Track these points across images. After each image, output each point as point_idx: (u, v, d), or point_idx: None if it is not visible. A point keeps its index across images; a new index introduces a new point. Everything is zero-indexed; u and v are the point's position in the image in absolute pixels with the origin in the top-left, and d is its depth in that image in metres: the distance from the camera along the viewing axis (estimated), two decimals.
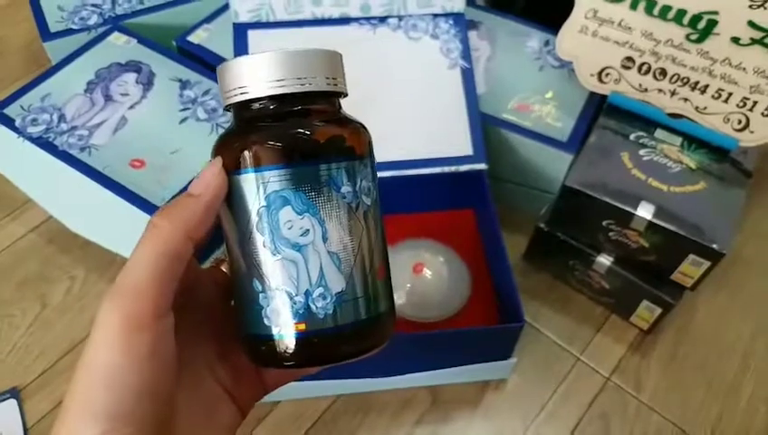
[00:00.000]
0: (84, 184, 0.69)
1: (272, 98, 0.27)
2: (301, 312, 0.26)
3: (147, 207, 0.67)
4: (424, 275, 0.69)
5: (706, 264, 0.64)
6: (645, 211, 0.65)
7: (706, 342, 0.74)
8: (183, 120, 0.75)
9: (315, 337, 0.26)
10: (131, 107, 0.76)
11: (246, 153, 0.26)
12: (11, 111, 0.74)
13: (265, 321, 0.27)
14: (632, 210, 0.65)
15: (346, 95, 0.29)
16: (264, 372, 0.31)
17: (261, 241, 0.26)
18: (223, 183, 0.26)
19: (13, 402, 0.67)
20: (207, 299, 0.30)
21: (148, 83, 0.79)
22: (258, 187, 0.26)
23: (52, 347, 0.72)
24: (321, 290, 0.26)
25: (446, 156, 0.72)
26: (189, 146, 0.73)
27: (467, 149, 0.72)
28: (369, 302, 0.27)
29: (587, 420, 0.68)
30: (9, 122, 0.73)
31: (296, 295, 0.26)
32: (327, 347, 0.27)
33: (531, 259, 0.80)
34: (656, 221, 0.64)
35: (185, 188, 0.68)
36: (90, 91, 0.77)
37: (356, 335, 0.27)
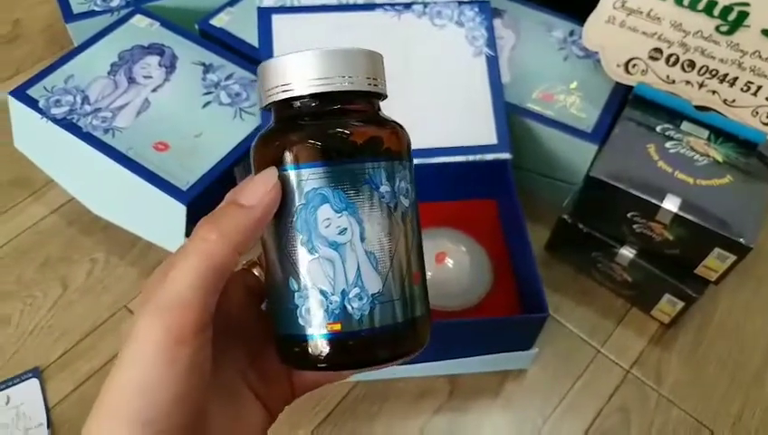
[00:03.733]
0: (108, 166, 0.69)
1: (313, 96, 0.27)
2: (336, 312, 0.26)
3: (170, 189, 0.67)
4: (446, 265, 0.69)
5: (732, 258, 0.64)
6: (671, 204, 0.64)
7: (729, 336, 0.74)
8: (206, 104, 0.75)
9: (350, 339, 0.26)
10: (154, 90, 0.76)
11: (287, 151, 0.26)
12: (34, 91, 0.74)
13: (300, 321, 0.26)
14: (658, 202, 0.64)
15: (386, 97, 0.29)
16: (295, 375, 0.31)
17: (298, 239, 0.26)
18: (277, 196, 0.26)
19: (35, 382, 0.68)
20: (238, 302, 0.30)
21: (170, 66, 0.78)
22: (298, 185, 0.26)
23: (74, 328, 0.72)
24: (357, 290, 0.26)
25: (469, 144, 0.72)
26: (212, 130, 0.73)
27: (491, 138, 0.72)
28: (406, 305, 0.27)
29: (607, 413, 0.68)
30: (33, 103, 0.73)
31: (332, 295, 0.26)
32: (361, 350, 0.26)
33: (553, 250, 0.79)
34: (682, 214, 0.64)
35: (208, 173, 0.69)
36: (113, 73, 0.77)
37: (391, 339, 0.27)
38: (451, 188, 0.74)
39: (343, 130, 0.26)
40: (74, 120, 0.72)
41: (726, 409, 0.69)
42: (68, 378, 0.68)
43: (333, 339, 0.26)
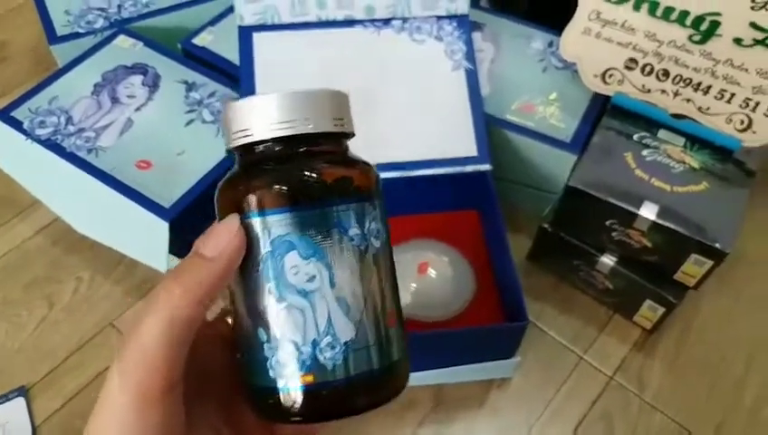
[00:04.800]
0: (91, 185, 0.70)
1: (276, 140, 0.26)
2: (308, 363, 0.25)
3: (153, 207, 0.68)
4: (428, 275, 0.70)
5: (709, 263, 0.65)
6: (648, 211, 0.65)
7: (710, 341, 0.75)
8: (189, 123, 0.76)
9: (324, 390, 0.25)
10: (138, 109, 0.77)
11: (250, 197, 0.25)
12: (19, 113, 0.75)
13: (271, 373, 0.25)
14: (635, 210, 0.65)
15: (353, 135, 0.28)
16: (273, 427, 0.29)
17: (266, 288, 0.25)
18: (240, 246, 0.25)
19: (21, 401, 0.68)
20: (211, 354, 0.28)
21: (153, 86, 0.79)
22: (263, 232, 0.25)
23: (60, 347, 0.72)
24: (329, 339, 0.25)
25: (450, 157, 0.73)
26: (195, 148, 0.73)
27: (472, 151, 0.73)
28: (382, 350, 0.26)
29: (590, 419, 0.69)
30: (17, 125, 0.74)
31: (303, 345, 0.25)
32: (337, 400, 0.25)
33: (535, 260, 0.80)
34: (659, 221, 0.64)
35: (190, 190, 0.70)
36: (96, 93, 0.78)
37: (368, 387, 0.26)
38: (433, 200, 0.75)
39: (309, 173, 0.25)
40: (58, 141, 0.73)
41: (709, 413, 0.69)
42: (54, 396, 0.69)
43: (306, 391, 0.25)
